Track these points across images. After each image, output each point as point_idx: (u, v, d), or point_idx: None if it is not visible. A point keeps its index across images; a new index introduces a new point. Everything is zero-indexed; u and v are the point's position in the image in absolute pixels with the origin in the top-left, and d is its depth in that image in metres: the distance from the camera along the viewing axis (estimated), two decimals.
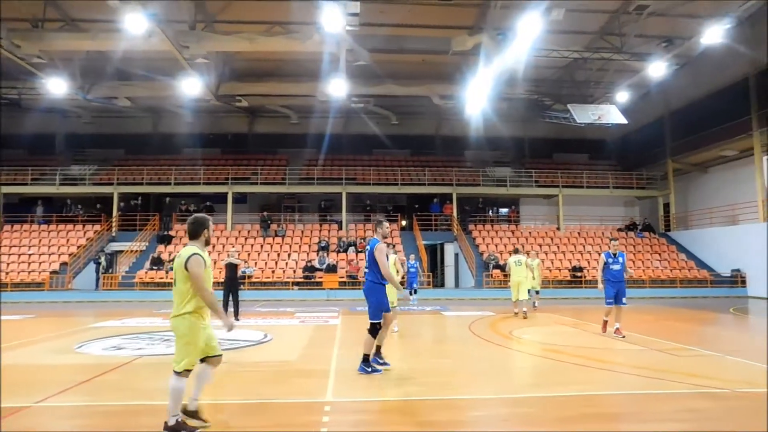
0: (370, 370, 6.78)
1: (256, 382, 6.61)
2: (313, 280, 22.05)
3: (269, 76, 24.86)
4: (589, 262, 24.32)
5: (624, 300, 9.70)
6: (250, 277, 21.89)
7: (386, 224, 7.26)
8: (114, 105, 25.86)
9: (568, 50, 22.26)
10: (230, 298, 12.45)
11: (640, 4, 18.22)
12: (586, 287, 22.50)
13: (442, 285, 26.02)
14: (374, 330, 6.75)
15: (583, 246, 26.00)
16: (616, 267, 9.69)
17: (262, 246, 24.83)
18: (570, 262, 24.22)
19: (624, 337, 9.56)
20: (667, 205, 28.71)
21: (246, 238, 25.49)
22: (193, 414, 4.58)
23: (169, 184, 26.91)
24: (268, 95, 26.40)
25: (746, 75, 22.52)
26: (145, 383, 6.37)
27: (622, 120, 23.45)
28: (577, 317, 13.86)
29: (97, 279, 22.53)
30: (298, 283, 22.03)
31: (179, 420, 4.36)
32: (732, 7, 18.52)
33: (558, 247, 25.78)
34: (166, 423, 4.33)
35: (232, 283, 12.60)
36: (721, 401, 5.53)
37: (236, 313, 12.63)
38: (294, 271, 22.69)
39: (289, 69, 24.36)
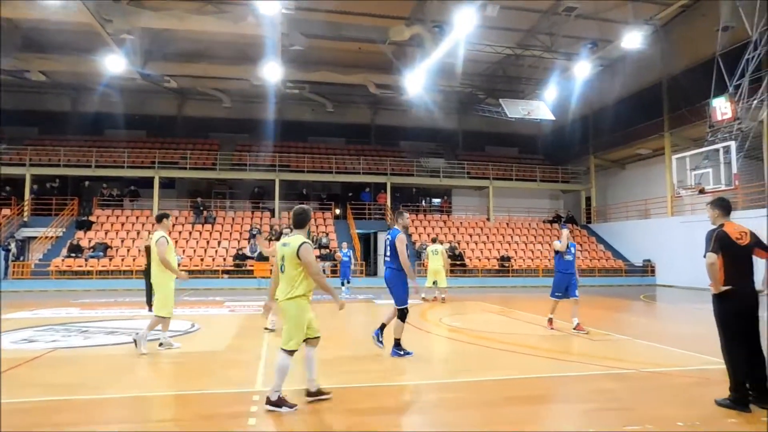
0: (402, 353, 7.13)
1: (182, 373, 6.42)
2: (243, 268, 21.57)
3: (200, 56, 23.84)
4: (516, 252, 25.35)
5: (576, 292, 9.31)
6: (178, 265, 21.05)
7: (406, 215, 7.66)
8: (26, 79, 23.88)
9: (502, 46, 22.93)
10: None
11: (569, 5, 19.09)
12: (513, 276, 23.49)
13: (375, 274, 26.21)
14: (403, 315, 7.14)
15: (511, 236, 27.05)
16: (569, 258, 9.27)
17: (190, 233, 23.95)
18: (498, 252, 25.13)
19: (587, 333, 9.00)
20: (588, 199, 30.42)
21: (174, 225, 24.46)
22: (316, 393, 5.07)
23: (90, 166, 25.26)
24: (199, 77, 25.34)
25: (660, 79, 24.17)
26: (60, 378, 6.00)
27: (549, 116, 24.54)
28: (504, 305, 14.44)
29: (6, 267, 20.84)
30: (228, 272, 21.47)
31: (281, 396, 4.79)
32: (648, 15, 19.81)
33: (487, 237, 26.67)
34: (268, 398, 4.78)
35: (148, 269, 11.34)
36: (628, 381, 5.99)
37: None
38: (224, 259, 22.09)
39: (221, 50, 23.48)
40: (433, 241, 16.41)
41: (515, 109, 24.14)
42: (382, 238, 26.36)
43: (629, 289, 21.02)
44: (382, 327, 7.35)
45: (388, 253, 7.24)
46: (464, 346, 8.52)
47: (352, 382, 5.90)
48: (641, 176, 26.96)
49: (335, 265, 20.33)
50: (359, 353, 7.79)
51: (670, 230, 22.61)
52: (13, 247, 21.34)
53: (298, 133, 30.94)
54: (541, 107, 24.44)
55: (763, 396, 4.81)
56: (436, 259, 14.79)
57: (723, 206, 5.11)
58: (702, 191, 15.95)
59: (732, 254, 4.84)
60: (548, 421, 4.84)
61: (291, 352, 4.84)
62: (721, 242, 4.86)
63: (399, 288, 7.13)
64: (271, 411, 4.71)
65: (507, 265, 24.03)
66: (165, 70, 23.81)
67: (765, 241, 5.00)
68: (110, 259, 21.17)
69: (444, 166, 29.33)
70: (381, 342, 7.32)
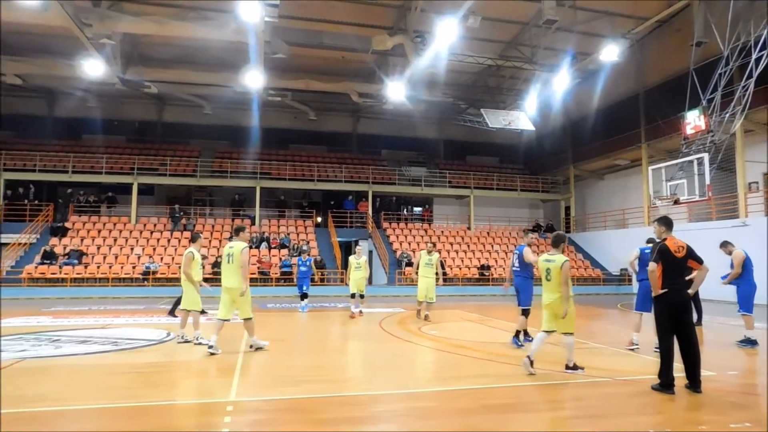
0: (520, 343, 8.56)
1: (154, 383, 6.29)
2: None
3: (181, 62, 23.68)
4: (496, 261, 25.50)
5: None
6: (155, 272, 20.77)
7: (532, 234, 9.61)
8: (0, 82, 23.41)
9: (483, 57, 23.20)
10: None
11: (549, 18, 19.39)
12: (492, 285, 23.59)
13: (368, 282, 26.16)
14: (527, 313, 8.74)
15: (492, 245, 27.23)
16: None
17: (169, 240, 23.64)
18: (479, 261, 25.26)
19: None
20: (568, 208, 30.81)
21: (152, 232, 24.14)
22: (532, 363, 6.50)
23: (66, 172, 24.82)
24: (180, 83, 25.14)
25: (637, 92, 24.70)
26: (25, 389, 5.83)
27: (529, 126, 24.85)
28: (482, 313, 14.49)
29: None
30: (207, 280, 21.09)
31: (569, 364, 6.63)
32: (626, 30, 20.25)
33: (468, 246, 26.81)
34: (566, 364, 6.64)
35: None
36: (602, 388, 6.04)
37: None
38: (203, 267, 21.75)
39: (203, 57, 23.36)
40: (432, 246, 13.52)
41: (496, 119, 24.40)
42: (363, 246, 26.49)
43: (606, 298, 21.26)
44: (517, 333, 8.75)
45: (517, 264, 8.96)
46: (439, 354, 8.52)
47: (319, 392, 5.84)
48: (619, 186, 27.42)
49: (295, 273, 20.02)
50: (326, 362, 7.75)
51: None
52: None
53: (279, 141, 30.86)
54: (521, 117, 24.74)
55: (693, 383, 5.68)
56: (430, 271, 12.59)
57: (667, 223, 6.09)
58: (677, 201, 16.26)
59: (670, 263, 5.78)
60: (520, 429, 4.85)
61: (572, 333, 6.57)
62: (661, 254, 5.82)
63: (526, 292, 8.82)
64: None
65: (487, 273, 24.16)
66: (145, 76, 23.55)
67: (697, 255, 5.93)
68: (85, 267, 20.76)
69: (425, 175, 29.49)
70: (522, 343, 8.62)
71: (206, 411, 5.18)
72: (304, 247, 15.79)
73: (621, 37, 20.18)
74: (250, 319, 8.11)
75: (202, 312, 9.39)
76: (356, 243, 26.58)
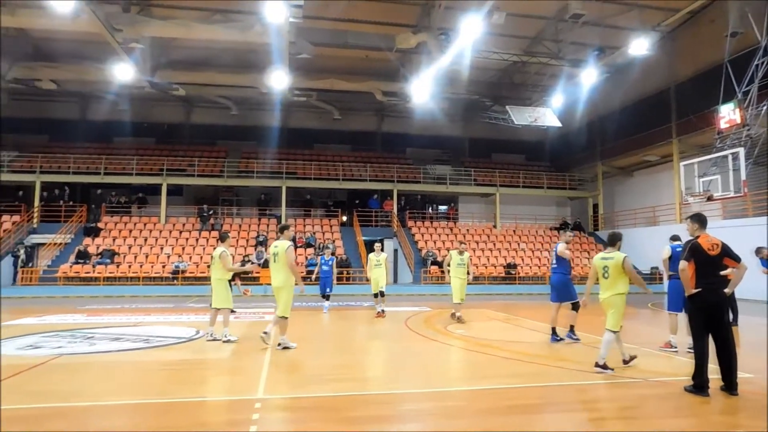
0: (576, 338, 8.96)
1: (185, 380, 6.41)
2: (250, 275, 21.54)
3: (208, 65, 24.08)
4: (522, 259, 25.22)
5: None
6: (183, 271, 21.17)
7: (569, 233, 9.90)
8: (37, 88, 24.18)
9: (508, 53, 22.96)
10: None
11: (576, 12, 19.07)
12: (519, 283, 23.35)
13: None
14: (576, 307, 8.96)
15: (518, 244, 26.92)
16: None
17: (197, 240, 24.06)
18: (504, 259, 25.01)
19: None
20: (596, 206, 30.24)
21: (180, 232, 24.61)
22: (628, 361, 6.89)
23: (99, 173, 25.51)
24: (207, 85, 25.55)
25: (668, 86, 24.06)
26: (59, 385, 6.01)
27: (556, 123, 24.48)
28: (509, 312, 14.34)
29: (15, 273, 21.08)
30: (234, 279, 21.46)
31: (600, 362, 6.59)
32: (656, 22, 19.75)
33: (494, 244, 26.56)
34: (596, 362, 6.61)
35: None
36: (634, 390, 5.91)
37: None
38: (208, 266, 22.06)
39: (229, 59, 23.70)
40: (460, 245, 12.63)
41: (522, 116, 24.12)
42: (388, 245, 26.66)
43: (636, 297, 20.68)
44: (572, 328, 9.05)
45: (554, 261, 9.14)
46: (466, 353, 8.46)
47: (346, 391, 5.85)
48: (649, 183, 26.77)
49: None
50: (352, 361, 7.77)
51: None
52: (22, 253, 21.55)
53: (304, 141, 31.10)
54: (547, 114, 24.39)
55: (729, 385, 5.48)
56: (462, 271, 11.99)
57: (700, 220, 5.89)
58: (710, 198, 15.81)
59: (703, 262, 5.60)
60: (547, 430, 4.78)
61: (617, 332, 6.73)
62: (693, 252, 5.67)
63: (567, 287, 9.03)
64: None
65: (513, 272, 23.91)
66: (173, 78, 24.03)
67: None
68: (117, 266, 21.29)
69: (450, 173, 29.32)
70: (577, 338, 8.98)
71: (235, 408, 5.25)
72: (329, 246, 15.73)
73: (651, 30, 19.71)
74: (285, 318, 8.20)
75: (232, 311, 9.52)
76: (380, 242, 26.73)
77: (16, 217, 23.80)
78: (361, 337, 10.55)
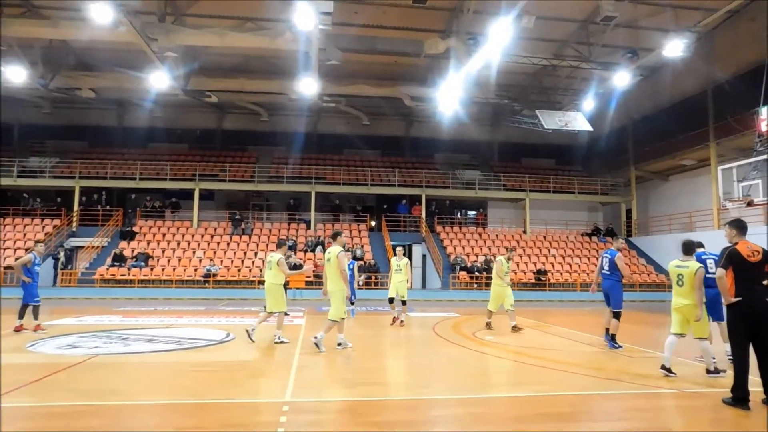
0: (617, 346, 8.83)
1: (215, 381, 6.52)
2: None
3: (239, 72, 24.55)
4: (553, 266, 24.81)
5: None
6: (215, 275, 21.56)
7: (621, 240, 9.53)
8: (77, 96, 25.07)
9: (538, 57, 22.67)
10: None
11: (607, 15, 18.69)
12: (549, 290, 22.97)
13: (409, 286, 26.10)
14: (618, 315, 8.91)
15: (548, 250, 26.50)
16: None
17: (228, 244, 24.48)
18: (535, 265, 24.64)
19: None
20: (629, 211, 29.53)
21: (212, 236, 25.09)
22: (669, 369, 6.72)
23: (134, 179, 26.24)
24: (238, 91, 26.03)
25: (705, 88, 23.33)
26: (95, 383, 6.19)
27: (587, 127, 24.01)
28: (539, 319, 14.12)
29: (55, 275, 21.83)
30: (263, 282, 21.72)
31: (712, 369, 6.71)
32: (692, 23, 19.22)
33: (524, 250, 26.20)
34: (707, 369, 6.77)
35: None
36: (669, 400, 5.74)
37: None
38: (260, 270, 22.42)
39: (259, 66, 24.11)
40: (507, 251, 12.81)
41: (552, 121, 23.75)
42: (417, 250, 26.59)
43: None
44: (613, 336, 8.95)
45: (607, 267, 9.05)
46: (495, 360, 8.36)
47: (374, 395, 5.86)
48: (685, 188, 26.00)
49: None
50: (380, 366, 7.76)
51: (716, 244, 21.61)
52: (62, 255, 22.31)
53: (333, 146, 31.35)
54: (578, 118, 23.96)
55: None
56: (507, 278, 12.00)
57: (739, 226, 5.76)
58: (750, 203, 15.23)
59: (742, 269, 5.41)
60: None
61: (680, 336, 6.79)
62: (731, 259, 5.49)
63: (617, 295, 8.94)
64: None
65: (543, 278, 23.53)
66: (205, 86, 24.57)
67: None
68: (151, 269, 21.83)
69: (479, 178, 29.09)
70: (618, 345, 8.88)
71: (263, 410, 5.31)
72: (350, 249, 15.39)
73: (687, 31, 19.15)
74: (335, 321, 8.50)
75: (285, 314, 9.68)
76: (408, 247, 26.74)
77: (56, 221, 24.69)
78: (389, 342, 10.54)
